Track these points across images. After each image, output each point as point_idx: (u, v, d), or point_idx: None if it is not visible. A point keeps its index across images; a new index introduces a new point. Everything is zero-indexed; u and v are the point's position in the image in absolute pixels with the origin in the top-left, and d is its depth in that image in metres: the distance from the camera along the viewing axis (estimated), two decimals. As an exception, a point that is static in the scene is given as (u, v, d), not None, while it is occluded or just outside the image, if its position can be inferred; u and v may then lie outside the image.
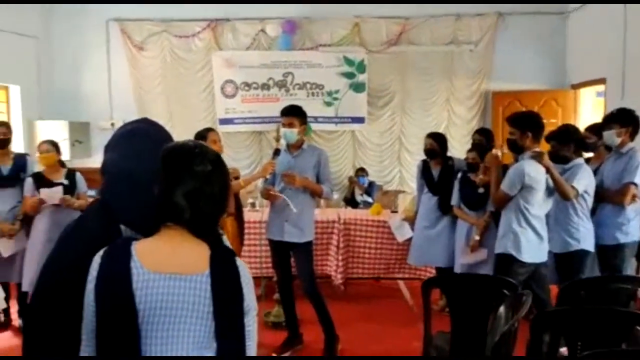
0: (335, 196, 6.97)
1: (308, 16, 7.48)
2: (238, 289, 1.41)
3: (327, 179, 4.14)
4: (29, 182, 4.55)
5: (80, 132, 7.44)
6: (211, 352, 1.37)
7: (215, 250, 1.42)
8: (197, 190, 1.40)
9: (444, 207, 4.93)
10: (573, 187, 3.62)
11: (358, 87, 7.54)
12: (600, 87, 6.92)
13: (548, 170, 3.54)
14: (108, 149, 1.62)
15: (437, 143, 5.02)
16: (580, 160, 3.80)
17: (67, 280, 1.45)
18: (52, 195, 4.47)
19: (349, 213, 5.92)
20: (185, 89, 7.66)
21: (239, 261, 1.44)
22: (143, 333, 1.32)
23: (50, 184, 4.54)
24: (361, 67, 7.52)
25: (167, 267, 1.36)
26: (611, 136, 3.84)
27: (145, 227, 1.50)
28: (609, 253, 3.81)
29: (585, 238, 3.76)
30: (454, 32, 7.50)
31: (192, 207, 1.39)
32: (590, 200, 3.77)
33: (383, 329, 4.78)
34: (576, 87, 7.26)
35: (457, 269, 4.70)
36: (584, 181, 3.68)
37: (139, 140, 1.59)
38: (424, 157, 5.16)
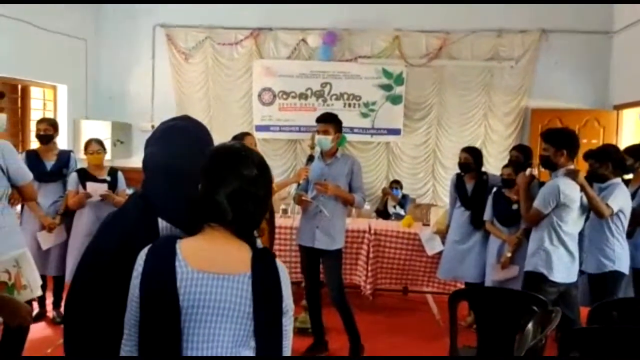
0: (367, 207, 6.98)
1: (348, 28, 7.55)
2: (278, 290, 1.44)
3: (360, 188, 4.14)
4: (73, 177, 4.74)
5: (122, 133, 7.67)
6: (249, 351, 1.40)
7: (257, 252, 1.45)
8: (242, 192, 1.43)
9: (476, 222, 4.89)
10: (608, 206, 3.55)
11: (395, 100, 7.55)
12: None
13: (582, 188, 3.48)
14: (149, 143, 1.67)
15: (472, 157, 4.98)
16: (617, 180, 3.73)
17: (105, 269, 1.51)
18: (97, 189, 4.65)
19: (380, 224, 5.92)
20: (225, 95, 7.81)
21: (279, 263, 1.47)
22: (185, 330, 1.35)
23: (94, 180, 4.73)
24: (399, 80, 7.53)
25: (211, 267, 1.39)
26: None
27: (182, 221, 1.56)
28: (633, 276, 3.71)
29: (620, 259, 3.67)
30: (495, 48, 7.45)
31: (236, 208, 1.43)
32: (626, 221, 3.69)
33: (409, 342, 4.75)
34: (619, 107, 7.11)
35: (488, 285, 4.64)
36: (620, 201, 3.61)
37: (178, 137, 1.63)
38: (458, 171, 5.13)
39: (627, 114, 7.10)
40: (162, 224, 1.57)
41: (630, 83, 6.74)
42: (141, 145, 6.54)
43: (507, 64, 7.47)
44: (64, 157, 4.92)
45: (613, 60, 7.27)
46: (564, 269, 3.54)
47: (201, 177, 1.46)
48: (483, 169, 5.13)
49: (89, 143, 4.89)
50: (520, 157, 4.97)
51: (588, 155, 3.76)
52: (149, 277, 1.37)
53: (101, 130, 7.17)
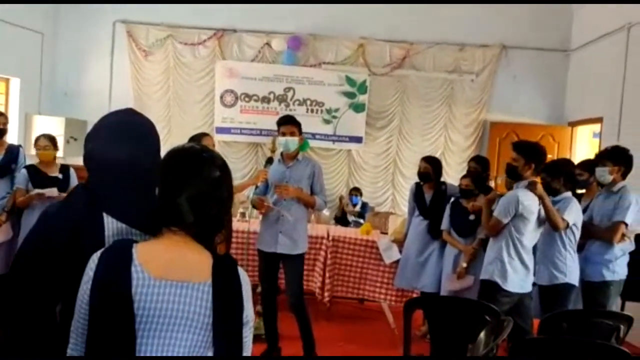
0: (327, 213, 6.96)
1: (314, 33, 7.54)
2: (239, 300, 1.38)
3: (321, 191, 4.14)
4: (23, 174, 4.54)
5: (76, 130, 7.42)
6: None
7: (218, 259, 1.38)
8: (205, 194, 1.37)
9: (434, 232, 4.91)
10: (563, 219, 3.61)
11: (358, 107, 7.57)
12: (597, 127, 6.98)
13: (541, 200, 3.54)
14: (91, 138, 1.59)
15: (431, 167, 5.00)
16: (569, 194, 3.79)
17: (44, 260, 1.43)
18: (49, 194, 4.46)
19: (338, 230, 5.90)
20: (185, 95, 7.68)
21: (241, 271, 1.42)
22: (138, 340, 1.28)
23: (45, 177, 4.54)
24: (362, 88, 7.56)
25: (169, 274, 1.32)
26: (603, 173, 3.83)
27: (130, 217, 1.49)
28: (595, 290, 3.78)
29: (571, 272, 3.74)
30: (457, 61, 7.57)
31: (199, 212, 1.36)
32: (577, 234, 3.76)
33: (363, 351, 4.72)
34: (573, 124, 7.31)
35: (443, 294, 4.66)
36: (573, 215, 3.68)
37: (126, 130, 1.56)
38: (418, 180, 5.15)
39: (581, 131, 7.31)
40: (107, 218, 1.50)
41: (585, 100, 6.95)
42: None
43: (468, 77, 7.60)
44: (13, 152, 4.73)
45: (569, 78, 7.48)
46: (518, 280, 3.58)
47: (160, 178, 1.38)
48: (442, 179, 5.17)
49: (38, 138, 4.70)
50: (478, 168, 5.03)
51: (540, 169, 3.81)
52: (101, 283, 1.28)
53: (54, 126, 6.93)
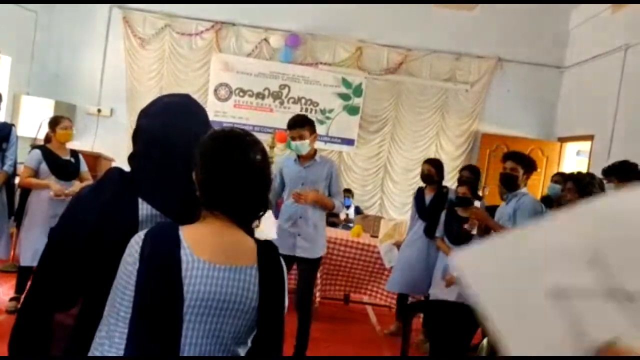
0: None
1: (313, 33, 7.53)
2: (282, 285, 1.38)
3: (338, 192, 4.00)
4: (36, 153, 4.40)
5: (65, 114, 7.22)
6: (244, 350, 1.33)
7: (261, 243, 1.38)
8: (250, 178, 1.34)
9: (430, 233, 4.94)
10: None
11: (352, 110, 7.58)
12: (582, 146, 7.11)
13: None
14: (145, 114, 1.53)
15: (434, 169, 5.03)
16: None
17: (76, 248, 1.37)
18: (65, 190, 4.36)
19: (329, 232, 5.88)
20: (178, 86, 7.58)
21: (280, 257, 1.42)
22: (185, 324, 1.25)
23: (59, 160, 4.43)
24: (358, 91, 7.57)
25: (218, 257, 1.30)
26: (609, 190, 3.68)
27: (165, 203, 1.45)
28: None
29: None
30: (453, 70, 7.63)
31: (243, 195, 1.34)
32: None
33: (346, 350, 4.72)
34: (563, 140, 7.43)
35: (433, 297, 4.66)
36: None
37: (182, 112, 1.52)
38: (406, 187, 5.20)
39: (570, 147, 7.43)
40: (142, 204, 1.46)
41: (575, 118, 7.07)
42: (84, 129, 6.27)
43: (463, 87, 7.66)
44: (5, 131, 4.59)
45: (561, 95, 7.60)
46: None
47: (202, 162, 1.35)
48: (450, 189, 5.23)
49: (60, 118, 4.57)
50: (471, 177, 5.06)
51: (566, 183, 3.72)
52: (150, 265, 1.24)
53: (43, 108, 6.79)
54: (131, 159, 1.53)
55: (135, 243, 1.27)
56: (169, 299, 1.24)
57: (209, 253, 1.29)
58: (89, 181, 4.48)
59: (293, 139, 3.89)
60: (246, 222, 1.37)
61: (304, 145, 3.82)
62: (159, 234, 1.29)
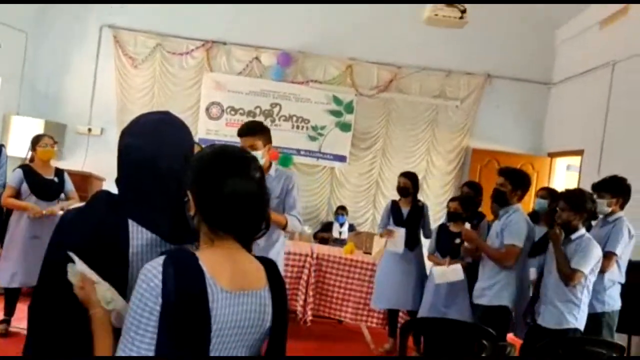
0: (308, 230, 6.92)
1: (303, 51, 7.57)
2: (286, 302, 1.41)
3: (294, 207, 3.50)
4: (18, 173, 4.38)
5: (55, 133, 7.17)
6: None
7: (266, 263, 1.39)
8: (253, 197, 1.32)
9: (411, 243, 4.97)
10: (579, 270, 3.45)
11: (344, 127, 7.61)
12: (571, 160, 7.17)
13: (555, 247, 3.57)
14: (128, 134, 1.49)
15: (410, 182, 5.13)
16: (584, 232, 3.53)
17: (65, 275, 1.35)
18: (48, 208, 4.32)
19: (322, 249, 5.86)
20: (170, 105, 7.53)
21: None
22: (211, 353, 1.24)
23: (41, 179, 4.40)
24: (349, 108, 7.60)
25: (236, 284, 1.29)
26: (601, 205, 3.72)
27: (159, 225, 1.42)
28: (587, 321, 3.56)
29: (582, 317, 3.55)
30: (443, 87, 7.69)
31: (250, 215, 1.32)
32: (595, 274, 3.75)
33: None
34: (552, 155, 7.48)
35: (424, 312, 4.65)
36: (592, 262, 3.43)
37: (166, 130, 1.49)
38: (394, 198, 5.28)
39: (560, 162, 7.49)
40: (133, 227, 1.42)
41: (565, 133, 7.13)
42: (75, 148, 6.24)
43: (453, 103, 7.72)
44: (-6, 150, 4.57)
45: (550, 110, 7.68)
46: None
47: (206, 182, 1.30)
48: (422, 201, 5.34)
49: (40, 137, 4.54)
50: (471, 193, 5.08)
51: (558, 200, 3.65)
52: (180, 301, 1.18)
53: (33, 128, 6.71)
54: (118, 181, 1.51)
55: (154, 277, 1.20)
56: (199, 334, 1.21)
57: (227, 281, 1.27)
58: (75, 200, 4.45)
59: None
60: (248, 242, 1.36)
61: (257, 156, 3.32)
62: (182, 266, 1.23)
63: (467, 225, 4.28)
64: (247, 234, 1.34)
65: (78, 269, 1.32)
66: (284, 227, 3.46)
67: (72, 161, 7.13)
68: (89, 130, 7.53)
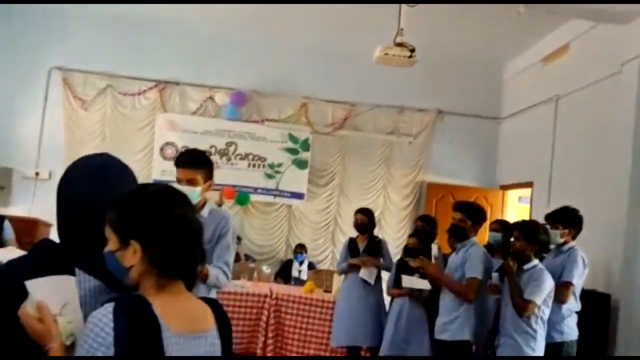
0: (267, 270, 6.81)
1: (258, 90, 7.60)
2: (231, 339, 1.41)
3: (223, 256, 2.85)
4: None
5: (2, 178, 6.98)
6: None
7: (211, 303, 1.38)
8: (197, 237, 1.32)
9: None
10: (532, 301, 3.48)
11: (301, 164, 7.61)
12: (523, 192, 7.36)
13: (509, 278, 3.61)
14: (67, 180, 1.44)
15: (367, 218, 5.17)
16: (537, 262, 3.57)
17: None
18: None
19: (281, 288, 5.76)
20: (122, 146, 7.40)
21: None
22: None
23: None
24: (305, 145, 7.63)
25: (187, 327, 1.26)
26: (554, 236, 3.80)
27: (104, 272, 1.35)
28: (546, 353, 3.60)
29: (540, 345, 3.58)
30: (396, 123, 7.83)
31: (196, 256, 1.32)
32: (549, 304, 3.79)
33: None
34: (505, 188, 7.67)
35: (385, 348, 4.61)
36: (545, 292, 3.46)
37: (108, 173, 1.44)
38: (352, 236, 5.30)
39: (512, 194, 7.68)
40: (80, 275, 1.36)
41: (516, 166, 7.33)
42: (22, 193, 5.99)
43: (406, 139, 7.85)
44: None
45: (500, 144, 7.91)
46: None
47: (153, 227, 1.26)
48: (380, 236, 5.48)
49: None
50: (425, 227, 5.12)
51: (513, 231, 3.68)
52: (134, 350, 1.14)
53: (-24, 173, 6.49)
54: (60, 229, 1.44)
55: (105, 325, 1.15)
56: None
57: (179, 325, 1.25)
58: (13, 248, 4.23)
59: (179, 181, 2.79)
60: (193, 283, 1.35)
61: (195, 193, 2.72)
62: (135, 313, 1.18)
63: (435, 250, 4.35)
64: (193, 275, 1.34)
65: (37, 300, 1.25)
66: (203, 280, 2.71)
67: (18, 206, 6.86)
68: (37, 174, 7.28)
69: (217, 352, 1.32)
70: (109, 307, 1.17)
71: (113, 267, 1.29)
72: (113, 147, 7.36)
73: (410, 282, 4.54)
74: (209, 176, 2.82)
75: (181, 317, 1.26)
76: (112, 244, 1.28)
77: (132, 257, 1.26)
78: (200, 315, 1.32)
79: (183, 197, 1.34)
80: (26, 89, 7.38)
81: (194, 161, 2.81)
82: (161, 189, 1.34)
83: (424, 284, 4.48)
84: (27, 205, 7.04)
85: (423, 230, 5.01)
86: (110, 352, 1.13)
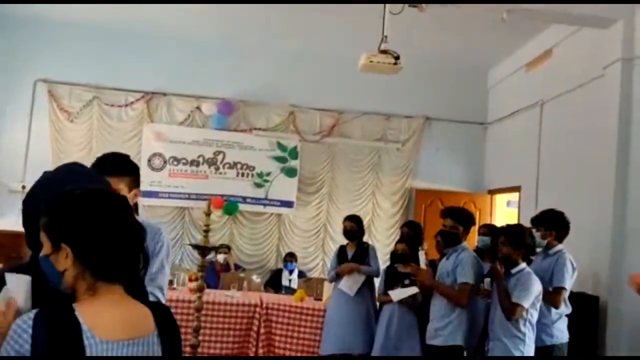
0: (257, 279, 6.78)
1: (245, 100, 7.61)
2: (180, 350, 1.37)
3: (156, 279, 2.31)
4: None
5: (-14, 191, 6.92)
6: None
7: (154, 307, 1.34)
8: (132, 239, 1.31)
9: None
10: (520, 305, 3.48)
11: (290, 172, 7.60)
12: (511, 196, 7.41)
13: (497, 283, 3.62)
14: (29, 199, 1.45)
15: (356, 225, 5.17)
16: (525, 266, 3.58)
17: None
18: None
19: (271, 298, 5.74)
20: (109, 158, 7.36)
21: None
22: None
23: None
24: (294, 154, 7.63)
25: (120, 333, 1.23)
26: (538, 239, 3.82)
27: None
28: (536, 355, 3.60)
29: (530, 348, 3.58)
30: (384, 130, 7.86)
31: (134, 256, 1.31)
32: (537, 307, 3.79)
33: None
34: (492, 192, 7.71)
35: (376, 354, 4.61)
36: (532, 295, 3.47)
37: (66, 179, 1.44)
38: (342, 244, 5.31)
39: (500, 198, 7.73)
40: None
41: (503, 170, 7.38)
42: (7, 207, 5.93)
43: (394, 146, 7.88)
44: None
45: (487, 149, 7.96)
46: None
47: (85, 229, 1.25)
48: (370, 243, 5.45)
49: None
50: (411, 232, 5.14)
51: (498, 235, 3.72)
52: (49, 356, 1.13)
53: (-39, 187, 6.41)
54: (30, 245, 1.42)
55: (23, 332, 1.14)
56: None
57: (110, 331, 1.22)
58: None
59: None
60: (136, 287, 1.33)
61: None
62: (54, 321, 1.17)
63: (422, 258, 4.32)
64: (133, 277, 1.32)
65: (9, 296, 1.27)
66: None
67: (4, 220, 6.76)
68: (23, 187, 7.19)
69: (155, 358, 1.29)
70: (30, 315, 1.17)
71: (48, 272, 1.28)
72: (100, 158, 7.32)
73: (399, 294, 4.54)
74: (134, 184, 2.41)
75: (113, 322, 1.24)
76: (46, 248, 1.28)
77: (64, 261, 1.26)
78: (136, 320, 1.29)
79: (116, 199, 1.34)
80: (12, 102, 7.32)
81: (115, 168, 2.37)
82: (91, 192, 1.32)
83: (413, 289, 4.48)
84: (13, 219, 6.95)
85: (412, 236, 5.02)
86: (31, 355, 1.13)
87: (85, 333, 1.17)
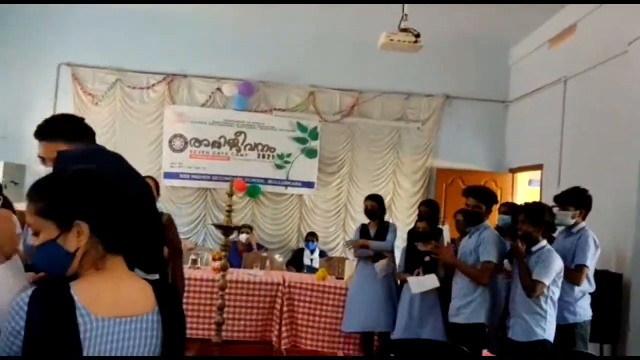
0: (280, 259, 6.88)
1: (265, 80, 7.63)
2: (184, 329, 1.36)
3: None
4: None
5: (14, 175, 7.07)
6: None
7: (157, 285, 1.33)
8: (136, 214, 1.33)
9: (378, 260, 5.00)
10: (540, 282, 3.47)
11: (310, 153, 7.64)
12: (533, 175, 7.34)
13: (519, 261, 3.61)
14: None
15: (377, 204, 5.19)
16: (546, 244, 3.57)
17: None
18: None
19: (294, 277, 5.82)
20: (133, 140, 7.49)
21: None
22: None
23: None
24: (314, 134, 7.65)
25: (116, 310, 1.23)
26: (564, 217, 3.80)
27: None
28: (559, 334, 3.56)
29: (551, 328, 3.57)
30: (404, 110, 7.83)
31: (136, 234, 1.32)
32: (559, 285, 3.79)
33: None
34: (514, 171, 7.66)
35: (399, 333, 4.65)
36: (553, 272, 3.47)
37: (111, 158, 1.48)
38: (364, 222, 5.34)
39: (521, 177, 7.67)
40: None
41: (525, 149, 7.31)
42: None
43: (414, 126, 7.85)
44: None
45: (509, 128, 7.88)
46: None
47: (93, 203, 1.27)
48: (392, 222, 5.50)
49: None
50: (430, 211, 5.15)
51: (518, 214, 3.71)
52: (43, 333, 1.14)
53: (-9, 170, 6.58)
54: None
55: (20, 308, 1.17)
56: None
57: (106, 308, 1.22)
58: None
59: (43, 160, 2.23)
60: (149, 263, 1.38)
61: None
62: (48, 297, 1.18)
63: (446, 233, 4.36)
64: (136, 251, 1.32)
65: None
66: None
67: (32, 202, 6.94)
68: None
69: (155, 336, 1.27)
70: (28, 292, 1.18)
71: (54, 257, 1.26)
72: (123, 141, 7.45)
73: (420, 285, 4.53)
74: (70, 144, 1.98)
75: (110, 299, 1.24)
76: (49, 232, 1.25)
77: (76, 240, 1.25)
78: (134, 297, 1.28)
79: (106, 179, 1.33)
80: (36, 86, 7.46)
81: (58, 131, 1.98)
82: (84, 171, 1.32)
83: (433, 282, 4.48)
84: (41, 201, 7.14)
85: (428, 214, 5.04)
86: (21, 336, 1.15)
87: (80, 310, 1.18)
